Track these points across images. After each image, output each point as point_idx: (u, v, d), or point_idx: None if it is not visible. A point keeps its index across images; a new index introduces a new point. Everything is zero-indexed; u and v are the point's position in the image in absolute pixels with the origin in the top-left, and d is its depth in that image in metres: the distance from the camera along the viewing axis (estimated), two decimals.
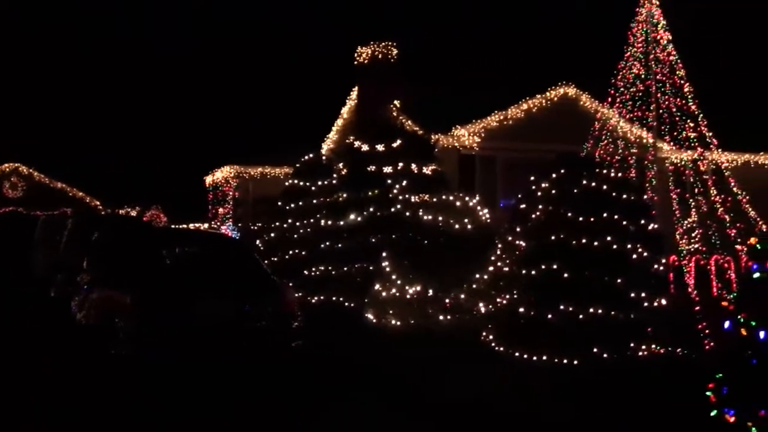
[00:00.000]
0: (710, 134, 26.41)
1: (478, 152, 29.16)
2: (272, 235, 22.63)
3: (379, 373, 12.78)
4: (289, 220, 22.14)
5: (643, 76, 27.09)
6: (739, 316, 8.08)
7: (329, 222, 20.43)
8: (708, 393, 8.18)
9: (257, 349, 12.16)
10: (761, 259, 8.19)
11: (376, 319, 17.27)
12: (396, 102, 28.44)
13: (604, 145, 27.44)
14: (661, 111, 26.73)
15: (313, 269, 20.40)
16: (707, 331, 14.94)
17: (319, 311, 18.68)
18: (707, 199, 26.44)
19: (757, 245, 8.36)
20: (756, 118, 34.04)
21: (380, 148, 20.44)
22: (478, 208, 18.89)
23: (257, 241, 22.99)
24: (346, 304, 19.00)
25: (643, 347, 14.20)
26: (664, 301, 14.70)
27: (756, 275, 8.19)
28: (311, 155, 23.64)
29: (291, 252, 21.50)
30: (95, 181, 51.26)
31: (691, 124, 26.31)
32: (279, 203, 22.80)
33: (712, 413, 8.03)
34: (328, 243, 20.20)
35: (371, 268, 18.33)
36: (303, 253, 21.13)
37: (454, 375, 12.63)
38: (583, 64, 40.46)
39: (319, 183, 22.22)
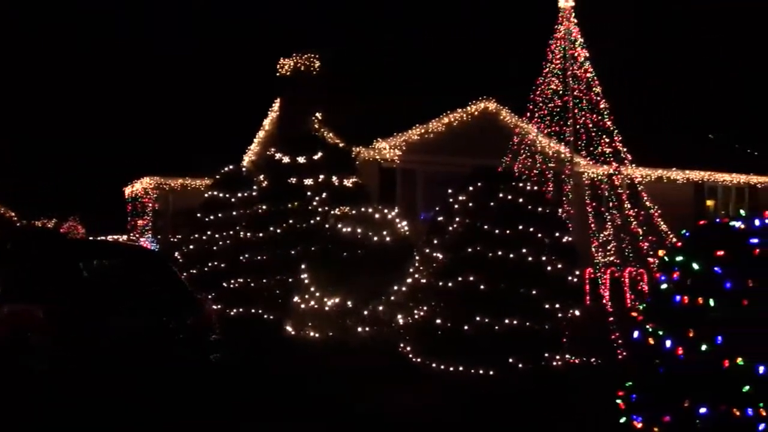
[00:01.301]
0: (625, 150, 26.94)
1: (399, 165, 29.32)
2: (191, 247, 22.47)
3: (297, 386, 12.81)
4: (209, 232, 22.01)
5: (560, 92, 27.48)
6: (647, 326, 8.26)
7: (249, 234, 20.38)
8: (618, 400, 8.35)
9: (175, 362, 12.07)
10: (668, 270, 8.38)
11: (295, 332, 17.27)
12: (318, 114, 28.46)
13: (522, 159, 27.78)
14: (577, 126, 27.15)
15: (233, 281, 20.33)
16: (620, 341, 15.25)
17: (239, 323, 18.63)
18: (621, 213, 26.96)
19: (665, 257, 8.56)
20: (668, 134, 34.88)
21: (301, 160, 20.48)
22: (397, 220, 19.00)
23: (176, 254, 22.81)
24: (266, 316, 18.97)
25: (558, 357, 14.46)
26: (577, 312, 15.00)
27: (663, 286, 8.38)
28: (231, 167, 23.54)
29: (210, 264, 21.39)
30: (10, 192, 50.13)
31: (607, 140, 26.80)
32: (198, 215, 22.65)
33: (621, 420, 8.21)
34: (247, 255, 20.15)
35: (290, 280, 18.33)
36: (222, 265, 21.04)
37: (372, 387, 12.70)
38: (504, 79, 40.96)
39: (239, 195, 22.15)
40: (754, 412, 7.30)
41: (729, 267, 7.76)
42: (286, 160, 20.73)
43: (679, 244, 8.43)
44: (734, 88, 55.73)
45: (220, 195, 22.44)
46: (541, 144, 28.61)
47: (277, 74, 29.29)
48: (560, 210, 18.45)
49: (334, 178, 20.02)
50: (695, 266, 7.96)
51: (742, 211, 8.70)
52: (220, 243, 21.59)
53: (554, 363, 14.42)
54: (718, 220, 8.47)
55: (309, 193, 19.70)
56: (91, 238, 35.68)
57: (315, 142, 21.59)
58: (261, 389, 12.55)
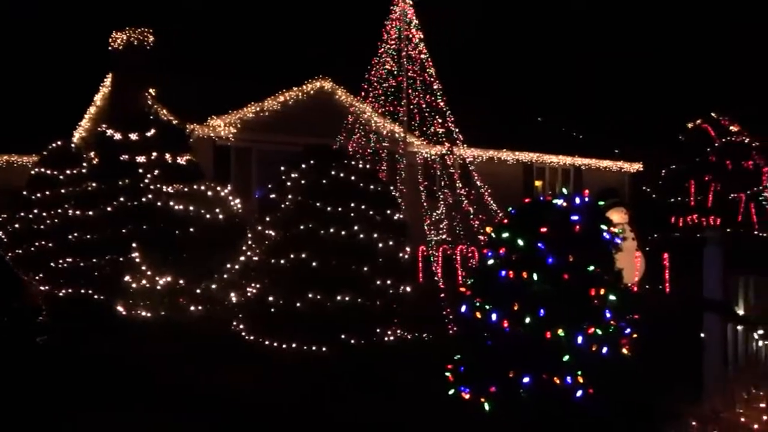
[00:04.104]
0: (457, 130, 27.46)
1: (234, 143, 28.98)
2: (17, 226, 21.67)
3: (127, 367, 12.60)
4: (35, 211, 21.27)
5: (395, 72, 27.74)
6: (475, 301, 8.49)
7: (78, 212, 19.81)
8: (447, 373, 8.57)
9: None
10: (495, 246, 8.64)
11: (126, 312, 16.97)
12: (151, 90, 27.86)
13: (357, 138, 27.94)
14: (411, 107, 27.49)
15: (61, 261, 19.72)
16: (451, 317, 15.60)
17: (67, 304, 18.14)
18: (454, 192, 27.52)
19: (492, 234, 8.82)
20: (499, 116, 35.81)
21: (133, 137, 20.00)
22: (231, 198, 18.87)
23: (0, 233, 21.97)
24: (96, 296, 18.52)
25: (390, 333, 14.69)
26: (408, 288, 15.27)
27: (490, 262, 8.63)
28: (60, 143, 22.80)
29: (37, 243, 20.68)
30: None
31: (440, 120, 27.25)
32: (24, 193, 21.86)
33: (450, 392, 8.43)
34: (76, 234, 19.59)
35: (121, 259, 17.95)
36: (50, 244, 20.37)
37: (204, 366, 12.63)
38: (340, 57, 41.08)
39: (68, 172, 21.47)
40: (573, 380, 7.64)
41: (551, 243, 8.06)
42: (117, 136, 20.20)
43: (506, 221, 8.70)
44: (562, 73, 57.63)
45: (48, 172, 21.72)
46: (376, 123, 28.85)
47: (110, 48, 28.46)
48: (393, 188, 18.70)
49: (167, 156, 19.65)
50: (520, 242, 8.23)
51: (564, 190, 9.03)
52: (48, 222, 20.89)
53: (386, 339, 14.64)
54: (541, 198, 8.77)
55: (141, 171, 19.26)
56: None
57: (148, 118, 21.10)
58: (89, 372, 12.27)
